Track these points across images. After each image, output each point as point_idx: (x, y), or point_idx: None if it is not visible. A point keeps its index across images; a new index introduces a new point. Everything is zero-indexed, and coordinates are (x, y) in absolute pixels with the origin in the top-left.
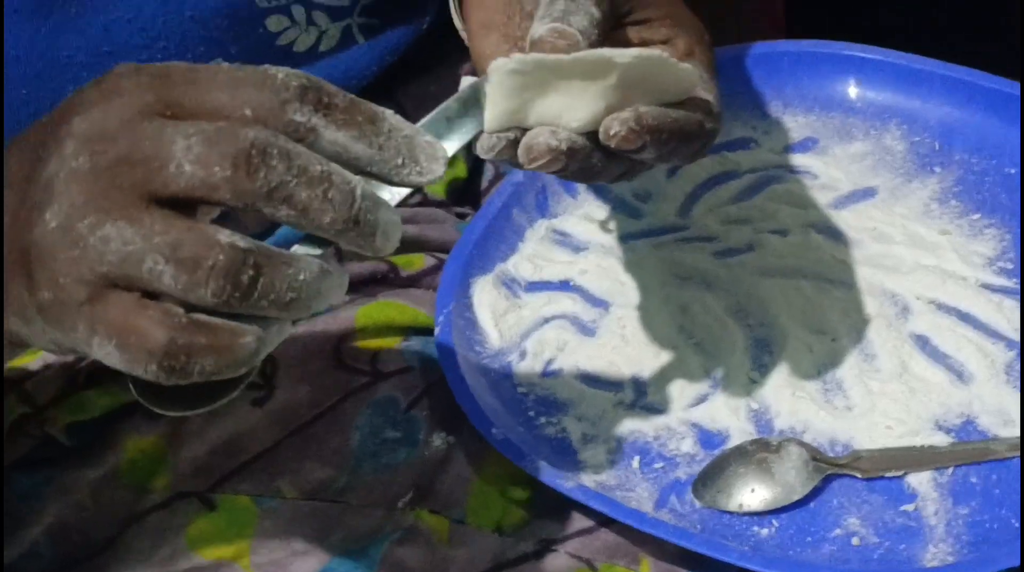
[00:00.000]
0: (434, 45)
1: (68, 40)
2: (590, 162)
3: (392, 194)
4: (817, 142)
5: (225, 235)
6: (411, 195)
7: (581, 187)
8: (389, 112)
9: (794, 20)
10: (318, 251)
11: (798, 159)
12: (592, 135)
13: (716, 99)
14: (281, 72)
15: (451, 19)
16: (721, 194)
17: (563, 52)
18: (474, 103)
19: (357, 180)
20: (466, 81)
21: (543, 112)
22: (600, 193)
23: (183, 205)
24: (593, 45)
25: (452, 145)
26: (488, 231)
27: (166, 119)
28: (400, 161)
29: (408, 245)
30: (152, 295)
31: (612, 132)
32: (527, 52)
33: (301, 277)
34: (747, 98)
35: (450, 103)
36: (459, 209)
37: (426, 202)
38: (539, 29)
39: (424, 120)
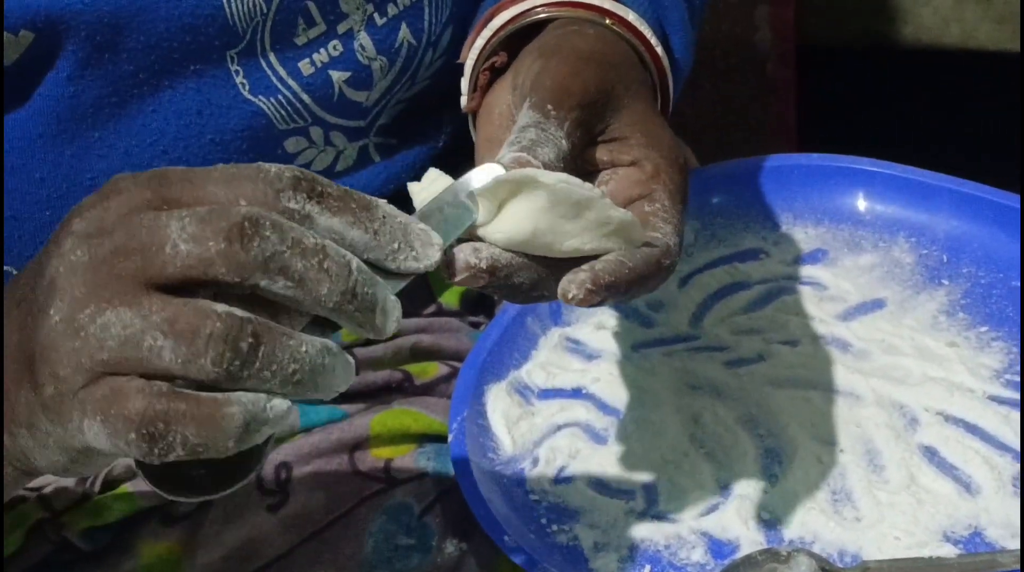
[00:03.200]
0: (450, 163)
1: (91, 163)
2: (512, 282)
3: (390, 287)
4: (827, 254)
5: (222, 306)
6: (410, 281)
7: None
8: (382, 201)
9: (805, 133)
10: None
11: (808, 270)
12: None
13: (676, 229)
14: (274, 166)
15: (466, 138)
16: (732, 304)
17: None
18: (468, 197)
19: (352, 256)
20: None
21: (491, 227)
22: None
23: (182, 290)
24: None
25: (447, 237)
26: (502, 339)
27: (163, 211)
28: (396, 246)
29: (422, 354)
30: (154, 374)
31: (570, 296)
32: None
33: (304, 349)
34: (758, 210)
35: (443, 196)
36: (473, 318)
37: (440, 312)
38: (504, 157)
39: (417, 213)
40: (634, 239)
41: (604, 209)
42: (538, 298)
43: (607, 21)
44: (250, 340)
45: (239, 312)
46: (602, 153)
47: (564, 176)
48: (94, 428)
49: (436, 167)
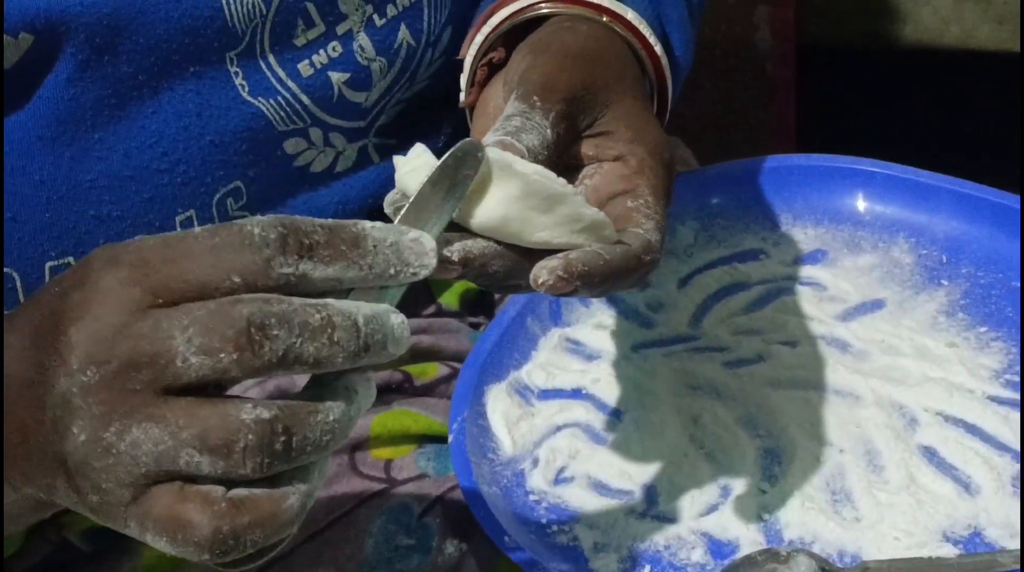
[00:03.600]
0: None
1: (90, 165)
2: (486, 270)
3: (389, 296)
4: (826, 254)
5: (248, 411)
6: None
7: None
8: (369, 225)
9: (805, 133)
10: None
11: (807, 271)
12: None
13: (658, 225)
14: (256, 226)
15: (465, 137)
16: (732, 305)
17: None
18: (455, 179)
19: (356, 309)
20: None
21: (463, 211)
22: (612, 303)
23: (199, 388)
24: (542, 165)
25: (436, 227)
26: (502, 339)
27: (158, 309)
28: (392, 271)
29: (422, 354)
30: (197, 478)
31: (540, 281)
32: None
33: (331, 417)
34: (758, 211)
35: (427, 182)
36: (473, 319)
37: (440, 312)
38: (488, 141)
39: (406, 207)
40: (606, 238)
41: (576, 206)
42: (513, 288)
43: (604, 18)
44: (283, 438)
45: (266, 412)
46: (587, 148)
47: (539, 169)
48: (160, 543)
49: None
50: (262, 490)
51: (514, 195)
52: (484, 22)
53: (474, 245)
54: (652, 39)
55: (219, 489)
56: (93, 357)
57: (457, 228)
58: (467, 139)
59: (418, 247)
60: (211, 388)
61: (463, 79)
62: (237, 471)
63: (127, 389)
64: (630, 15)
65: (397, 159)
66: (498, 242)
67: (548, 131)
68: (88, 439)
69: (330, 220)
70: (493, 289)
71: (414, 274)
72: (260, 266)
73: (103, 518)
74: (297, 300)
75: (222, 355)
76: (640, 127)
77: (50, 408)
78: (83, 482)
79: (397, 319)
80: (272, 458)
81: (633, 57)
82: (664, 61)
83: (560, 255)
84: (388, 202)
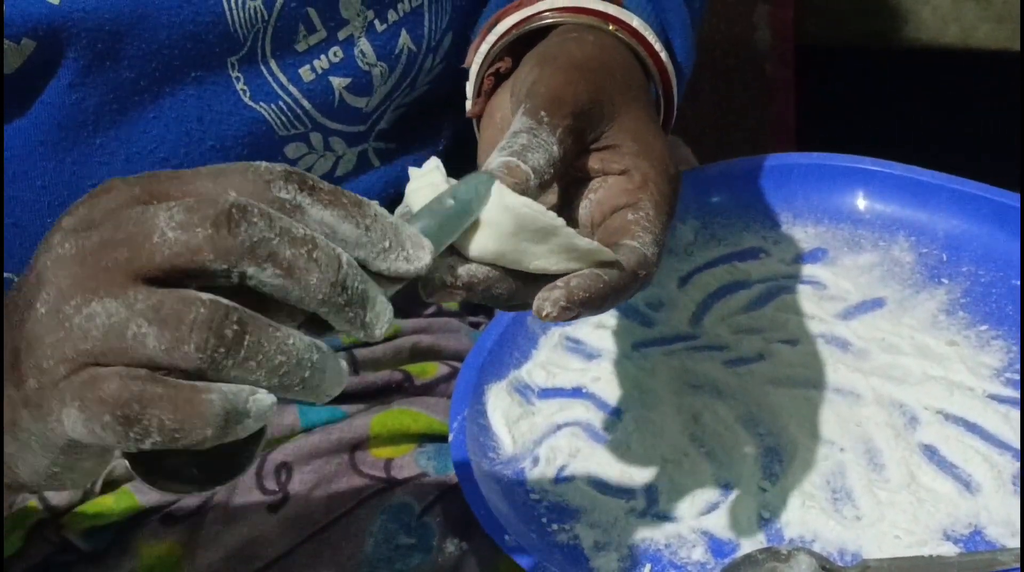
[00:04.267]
0: (450, 168)
1: (92, 170)
2: (490, 294)
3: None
4: (826, 253)
5: (208, 295)
6: (400, 287)
7: None
8: (374, 202)
9: (804, 133)
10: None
11: (808, 269)
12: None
13: (656, 239)
14: (264, 164)
15: (466, 142)
16: (732, 304)
17: (511, 188)
18: (465, 200)
19: (341, 251)
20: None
21: (462, 241)
22: None
23: (170, 281)
24: (546, 184)
25: (441, 241)
26: (502, 338)
27: (151, 204)
28: (387, 244)
29: (422, 354)
30: (138, 363)
31: (544, 313)
32: None
33: (291, 341)
34: (758, 209)
35: (435, 201)
36: (473, 318)
37: (440, 312)
38: (493, 162)
39: (413, 215)
40: (604, 260)
41: (568, 237)
42: (518, 308)
43: (610, 27)
44: (235, 327)
45: (225, 300)
46: (594, 161)
47: (528, 202)
48: (72, 414)
49: None
50: (187, 379)
51: (507, 231)
52: (489, 30)
53: (478, 270)
54: (658, 46)
55: (145, 370)
56: (75, 234)
57: (454, 251)
58: (480, 175)
59: (416, 240)
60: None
61: (469, 88)
62: (181, 348)
63: (100, 266)
64: (635, 22)
65: (412, 170)
66: (499, 267)
67: (555, 148)
68: (48, 311)
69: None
70: (496, 306)
71: (406, 262)
72: (259, 186)
73: (34, 409)
74: (286, 216)
75: (198, 230)
76: (645, 140)
77: (23, 295)
78: (27, 363)
79: (383, 299)
80: (219, 341)
81: (639, 64)
82: (670, 67)
83: (561, 283)
84: (396, 215)
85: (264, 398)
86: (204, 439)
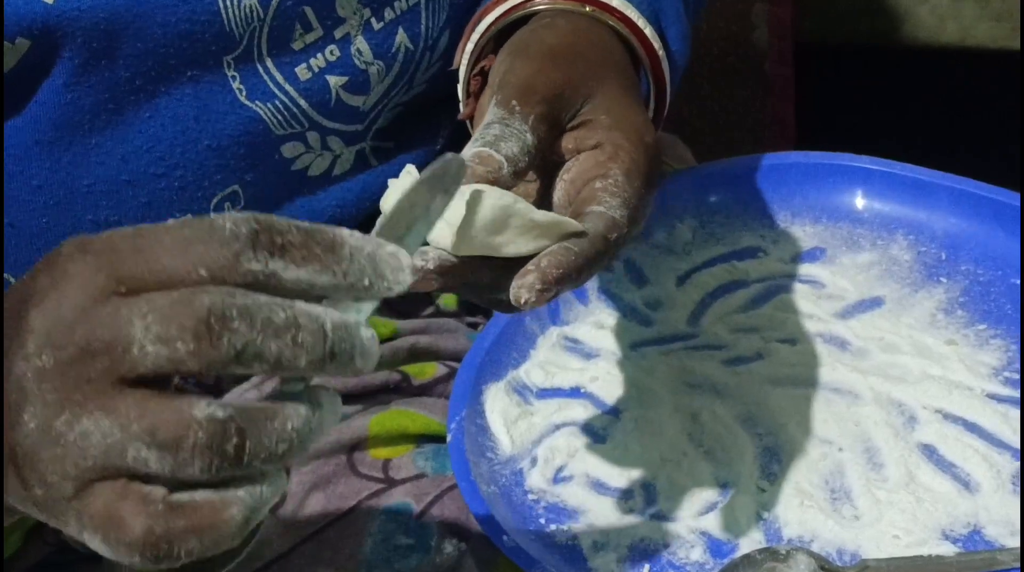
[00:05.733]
0: None
1: (87, 170)
2: (468, 281)
3: (360, 310)
4: (825, 252)
5: (201, 409)
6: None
7: (592, 295)
8: (346, 232)
9: (803, 131)
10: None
11: (806, 268)
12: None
13: (625, 201)
14: (228, 221)
15: (464, 141)
16: (730, 303)
17: (484, 178)
18: (433, 195)
19: (325, 314)
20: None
21: (432, 238)
22: (611, 301)
23: (155, 381)
24: (521, 172)
25: (414, 243)
26: (500, 338)
27: (121, 297)
28: (367, 281)
29: (420, 354)
30: (144, 476)
31: (522, 301)
32: None
33: (290, 426)
34: (756, 208)
35: (404, 197)
36: (471, 318)
37: (438, 313)
38: (467, 152)
39: (383, 221)
40: (571, 233)
41: (525, 214)
42: (497, 300)
43: (587, 8)
44: (235, 440)
45: (220, 411)
46: (568, 141)
47: (478, 189)
48: (95, 542)
49: None
50: (205, 496)
51: (463, 219)
52: (472, 29)
53: (450, 255)
54: (641, 22)
55: (161, 490)
56: (50, 341)
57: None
58: (448, 154)
59: (395, 262)
60: (169, 384)
61: (460, 90)
62: (185, 470)
63: (81, 377)
64: (615, 1)
65: (390, 181)
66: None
67: (528, 135)
68: (38, 427)
69: (307, 223)
70: (479, 299)
71: (388, 289)
72: (228, 260)
73: (47, 513)
74: (263, 297)
75: (179, 345)
76: (619, 113)
77: (6, 393)
78: (30, 473)
79: (367, 333)
80: (222, 459)
81: (618, 42)
82: (657, 44)
83: (532, 266)
84: (378, 225)
85: (275, 485)
86: (229, 547)
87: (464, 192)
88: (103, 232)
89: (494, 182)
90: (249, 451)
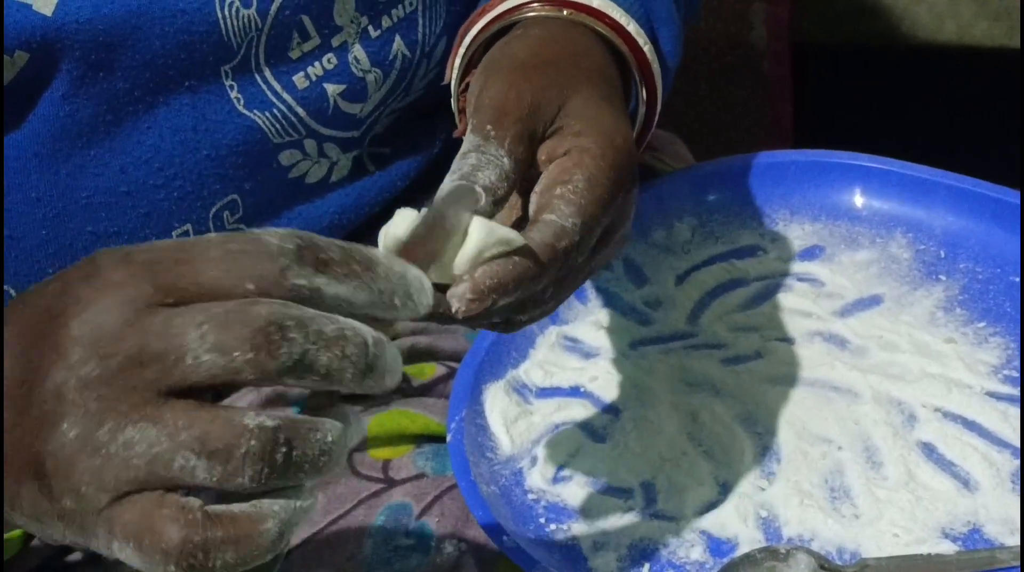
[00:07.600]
0: (445, 172)
1: (87, 181)
2: (439, 311)
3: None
4: (824, 250)
5: (251, 418)
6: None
7: (591, 294)
8: (378, 252)
9: (801, 131)
10: None
11: (805, 267)
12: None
13: (579, 210)
14: (274, 236)
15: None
16: (729, 302)
17: (464, 209)
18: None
19: (366, 330)
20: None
21: None
22: (610, 300)
23: (199, 391)
24: (501, 199)
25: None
26: (500, 338)
27: (169, 308)
28: (397, 301)
29: (419, 355)
30: (184, 488)
31: (454, 310)
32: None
33: (329, 438)
34: (755, 207)
35: (420, 225)
36: None
37: None
38: (444, 187)
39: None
40: (512, 243)
41: (452, 229)
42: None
43: (564, 12)
44: (283, 450)
45: (269, 420)
46: (542, 152)
47: (405, 214)
48: (126, 552)
49: (431, 176)
50: (241, 509)
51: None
52: (460, 42)
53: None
54: (624, 19)
55: (197, 501)
56: (97, 350)
57: None
58: (458, 185)
59: (418, 285)
60: (210, 396)
61: (453, 104)
62: (235, 479)
63: (128, 386)
64: (596, 2)
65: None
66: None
67: (505, 160)
68: (79, 436)
69: (344, 241)
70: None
71: (414, 310)
72: (275, 275)
73: (71, 526)
74: (313, 311)
75: (236, 353)
76: (589, 116)
77: (37, 405)
78: (60, 484)
79: (393, 350)
80: (272, 469)
81: (596, 43)
82: (642, 39)
83: (466, 277)
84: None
85: (308, 501)
86: (261, 562)
87: (391, 232)
88: (142, 244)
89: (474, 214)
90: (295, 460)
